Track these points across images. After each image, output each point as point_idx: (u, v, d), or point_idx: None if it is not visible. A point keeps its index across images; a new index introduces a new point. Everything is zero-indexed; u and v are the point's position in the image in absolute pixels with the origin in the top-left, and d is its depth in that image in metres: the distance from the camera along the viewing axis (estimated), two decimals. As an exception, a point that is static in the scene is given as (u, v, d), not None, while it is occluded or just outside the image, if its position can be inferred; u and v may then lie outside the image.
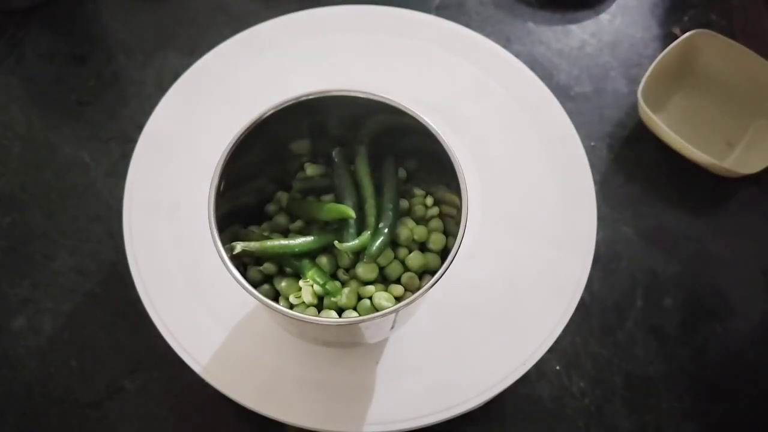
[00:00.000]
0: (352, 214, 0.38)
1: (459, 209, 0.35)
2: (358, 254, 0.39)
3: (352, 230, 0.38)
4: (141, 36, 0.61)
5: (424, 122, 0.36)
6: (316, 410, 0.40)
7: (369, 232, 0.38)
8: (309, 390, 0.40)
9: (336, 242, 0.37)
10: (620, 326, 0.50)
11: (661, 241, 0.53)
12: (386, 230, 0.38)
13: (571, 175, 0.47)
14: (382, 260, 0.38)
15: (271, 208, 0.42)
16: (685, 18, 0.63)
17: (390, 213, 0.39)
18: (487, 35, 0.52)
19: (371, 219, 0.39)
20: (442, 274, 0.33)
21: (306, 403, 0.40)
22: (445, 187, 0.38)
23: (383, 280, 0.39)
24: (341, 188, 0.40)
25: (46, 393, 0.47)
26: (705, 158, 0.52)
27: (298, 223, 0.40)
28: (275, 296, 0.39)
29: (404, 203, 0.41)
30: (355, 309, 0.37)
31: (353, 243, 0.37)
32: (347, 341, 0.41)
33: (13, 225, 0.52)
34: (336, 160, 0.41)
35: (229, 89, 0.50)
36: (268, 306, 0.32)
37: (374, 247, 0.37)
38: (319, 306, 0.38)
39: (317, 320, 0.34)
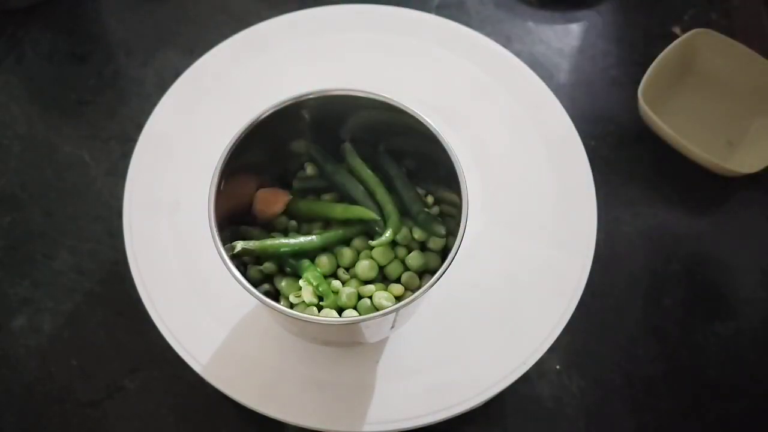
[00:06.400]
0: (374, 215, 0.38)
1: (459, 208, 0.35)
2: (359, 253, 0.39)
3: (360, 227, 0.39)
4: (141, 35, 0.61)
5: (424, 121, 0.36)
6: (316, 409, 0.40)
7: (395, 219, 0.38)
8: (309, 389, 0.40)
9: (370, 242, 0.38)
10: (620, 326, 0.50)
11: (661, 241, 0.53)
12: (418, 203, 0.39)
13: (571, 175, 0.47)
14: (382, 259, 0.38)
15: (308, 170, 0.42)
16: (686, 17, 0.63)
17: (411, 194, 0.40)
18: (487, 34, 0.52)
19: (389, 207, 0.39)
20: (442, 274, 0.33)
21: (306, 403, 0.40)
22: (445, 187, 0.38)
23: (383, 279, 0.39)
24: (349, 187, 0.40)
25: (46, 392, 0.47)
26: (705, 158, 0.52)
27: (294, 223, 0.41)
28: (275, 295, 0.39)
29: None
30: (355, 308, 0.37)
31: (385, 237, 0.37)
32: (347, 340, 0.41)
33: (13, 225, 0.52)
34: (323, 162, 0.41)
35: (229, 88, 0.50)
36: (268, 305, 0.32)
37: (421, 216, 0.38)
38: (320, 305, 0.38)
39: (317, 320, 0.34)
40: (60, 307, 0.49)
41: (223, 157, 0.35)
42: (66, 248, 0.51)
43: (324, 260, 0.38)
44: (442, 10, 0.63)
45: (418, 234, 0.39)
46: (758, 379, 0.49)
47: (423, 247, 0.40)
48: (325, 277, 0.38)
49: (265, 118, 0.37)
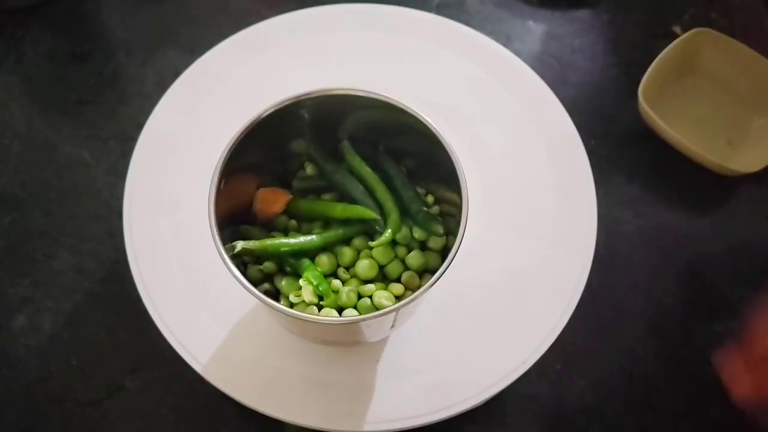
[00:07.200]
0: (374, 215, 0.38)
1: (459, 208, 0.35)
2: (359, 252, 0.39)
3: (360, 226, 0.39)
4: (141, 35, 0.61)
5: (424, 121, 0.36)
6: (316, 409, 0.40)
7: (395, 218, 0.38)
8: (309, 388, 0.40)
9: (370, 242, 0.38)
10: (620, 326, 0.50)
11: (661, 240, 0.53)
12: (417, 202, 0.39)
13: (571, 175, 0.47)
14: (382, 259, 0.38)
15: (307, 170, 0.42)
16: (686, 17, 0.63)
17: (411, 194, 0.40)
18: (488, 34, 0.52)
19: (389, 205, 0.39)
20: (442, 273, 0.33)
21: (306, 402, 0.40)
22: (445, 186, 0.38)
23: (383, 278, 0.39)
24: (349, 186, 0.40)
25: (46, 392, 0.47)
26: (705, 157, 0.52)
27: (294, 222, 0.41)
28: (275, 295, 0.39)
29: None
30: (355, 308, 0.37)
31: (385, 236, 0.37)
32: (348, 340, 0.41)
33: (13, 224, 0.52)
34: (322, 161, 0.41)
35: (229, 88, 0.50)
36: (268, 305, 0.32)
37: (420, 216, 0.38)
38: (320, 305, 0.38)
39: (317, 319, 0.34)
40: (60, 306, 0.49)
41: (223, 157, 0.35)
42: (66, 248, 0.51)
43: (324, 259, 0.38)
44: (442, 10, 0.63)
45: (418, 233, 0.39)
46: (758, 378, 0.49)
47: (423, 246, 0.40)
48: (325, 276, 0.38)
49: (264, 117, 0.37)
